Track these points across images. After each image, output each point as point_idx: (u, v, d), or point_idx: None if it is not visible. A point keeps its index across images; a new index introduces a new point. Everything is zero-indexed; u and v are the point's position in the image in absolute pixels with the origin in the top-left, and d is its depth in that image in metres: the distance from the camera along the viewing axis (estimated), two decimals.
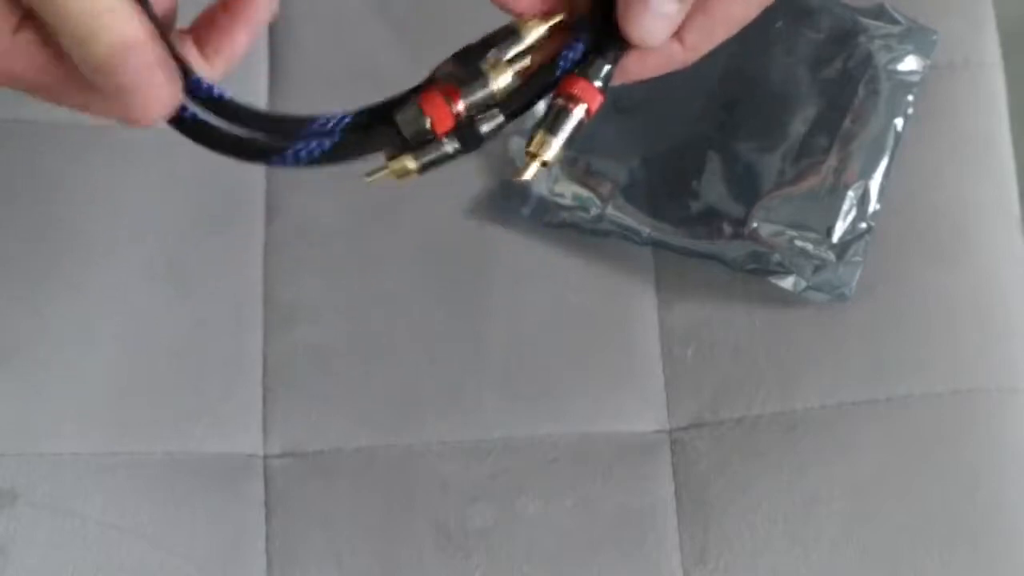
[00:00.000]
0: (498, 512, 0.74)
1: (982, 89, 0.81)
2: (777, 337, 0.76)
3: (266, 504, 0.74)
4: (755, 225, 0.77)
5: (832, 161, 0.77)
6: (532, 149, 0.56)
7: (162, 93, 0.52)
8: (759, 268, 0.77)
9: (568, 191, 0.79)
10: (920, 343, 0.76)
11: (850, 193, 0.77)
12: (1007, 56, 0.82)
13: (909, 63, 0.79)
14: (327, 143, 0.55)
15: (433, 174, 0.80)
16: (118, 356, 0.76)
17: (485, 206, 0.79)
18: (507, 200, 0.79)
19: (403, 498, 0.74)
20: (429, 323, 0.78)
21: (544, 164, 0.56)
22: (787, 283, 0.76)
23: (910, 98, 0.78)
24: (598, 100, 0.56)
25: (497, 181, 0.80)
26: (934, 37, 0.79)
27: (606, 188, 0.79)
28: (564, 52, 0.56)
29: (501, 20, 0.82)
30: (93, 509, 0.73)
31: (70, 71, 0.52)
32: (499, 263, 0.79)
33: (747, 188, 0.77)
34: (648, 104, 0.79)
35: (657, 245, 0.78)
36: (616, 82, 0.57)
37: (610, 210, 0.78)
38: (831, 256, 0.76)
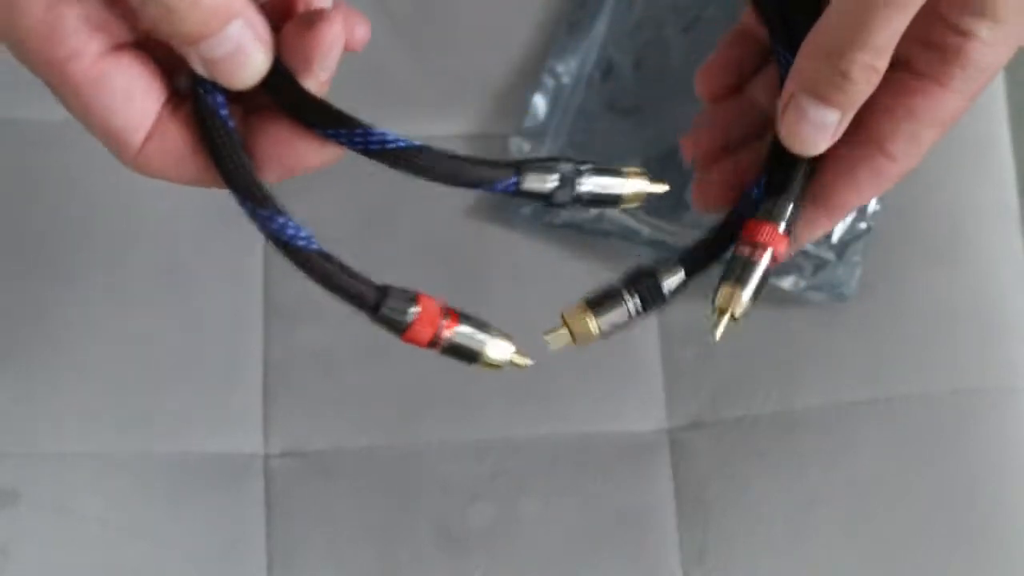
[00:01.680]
0: (498, 512, 0.74)
1: None
2: (777, 337, 0.76)
3: (267, 504, 0.74)
4: None
5: None
6: (721, 304, 0.51)
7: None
8: None
9: None
10: (920, 343, 0.76)
11: None
12: None
13: None
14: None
15: None
16: (119, 356, 0.76)
17: (485, 206, 0.79)
18: (507, 200, 0.79)
19: (403, 498, 0.74)
20: None
21: (735, 319, 0.51)
22: (787, 283, 0.77)
23: None
24: (784, 245, 0.52)
25: None
26: None
27: None
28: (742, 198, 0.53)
29: (501, 23, 0.83)
30: (94, 509, 0.73)
31: None
32: (499, 263, 0.79)
33: None
34: (648, 105, 0.79)
35: (657, 245, 0.78)
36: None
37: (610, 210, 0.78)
38: (831, 256, 0.76)
